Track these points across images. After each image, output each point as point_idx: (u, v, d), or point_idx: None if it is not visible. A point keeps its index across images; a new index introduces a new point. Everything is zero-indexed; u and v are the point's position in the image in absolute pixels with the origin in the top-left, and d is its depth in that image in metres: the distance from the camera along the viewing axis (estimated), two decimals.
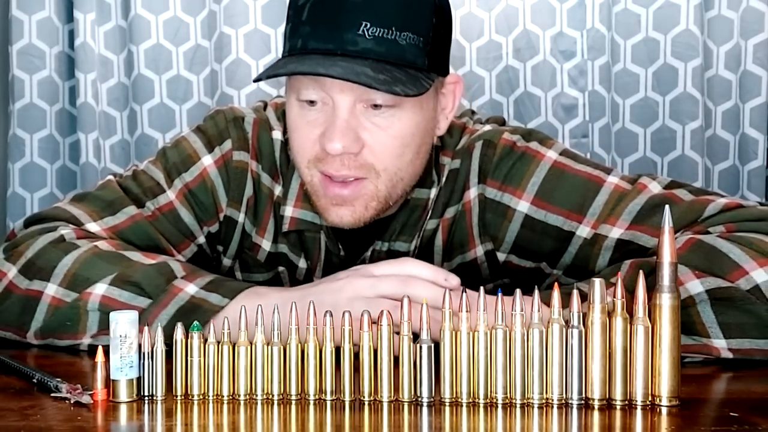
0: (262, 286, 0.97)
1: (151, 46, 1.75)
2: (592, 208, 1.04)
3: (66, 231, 1.03)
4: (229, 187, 1.10)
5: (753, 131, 1.70)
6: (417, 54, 0.98)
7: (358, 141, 0.98)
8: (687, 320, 0.87)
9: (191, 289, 0.95)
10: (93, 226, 1.06)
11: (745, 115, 1.70)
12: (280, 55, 1.69)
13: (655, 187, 1.03)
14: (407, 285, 0.89)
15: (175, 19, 1.75)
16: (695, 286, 0.88)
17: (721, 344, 0.87)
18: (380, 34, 0.96)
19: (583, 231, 1.04)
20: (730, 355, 0.88)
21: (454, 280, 0.91)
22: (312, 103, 1.00)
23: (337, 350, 0.75)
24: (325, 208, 1.03)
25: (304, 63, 0.96)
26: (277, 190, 1.12)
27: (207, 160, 1.10)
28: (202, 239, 1.12)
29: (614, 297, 0.73)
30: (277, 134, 1.13)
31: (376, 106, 0.98)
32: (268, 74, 0.98)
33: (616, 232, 1.02)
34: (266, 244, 1.13)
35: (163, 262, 0.98)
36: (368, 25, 0.95)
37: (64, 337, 0.97)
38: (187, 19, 1.76)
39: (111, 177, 1.13)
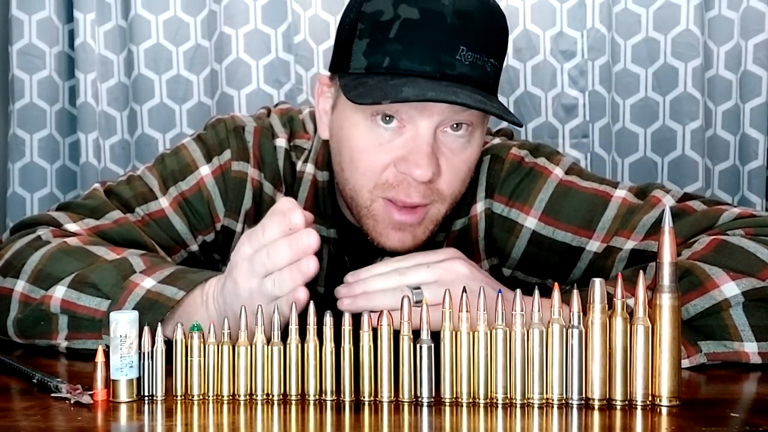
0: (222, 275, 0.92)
1: (151, 46, 1.75)
2: (601, 223, 1.05)
3: (43, 231, 1.02)
4: (227, 197, 1.09)
5: (753, 131, 1.70)
6: (495, 80, 0.98)
7: (439, 167, 0.96)
8: (717, 324, 0.87)
9: (148, 283, 0.91)
10: (72, 226, 1.04)
11: (746, 115, 1.70)
12: (279, 56, 1.73)
13: (668, 201, 1.03)
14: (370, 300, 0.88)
15: (175, 19, 1.75)
16: (731, 288, 0.88)
17: (752, 348, 0.87)
18: (474, 60, 0.94)
19: (593, 246, 1.05)
20: (759, 360, 0.87)
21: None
22: (387, 121, 0.96)
23: (338, 350, 0.75)
24: (383, 233, 1.00)
25: (421, 87, 0.92)
26: (279, 198, 1.10)
27: (204, 170, 1.09)
28: (195, 247, 1.10)
29: (614, 297, 0.73)
30: (281, 142, 1.11)
31: (454, 129, 0.96)
32: (392, 99, 0.91)
33: (630, 245, 1.03)
34: None
35: (124, 258, 0.96)
36: (464, 50, 0.93)
37: (42, 337, 0.96)
38: (187, 19, 1.76)
39: (97, 185, 1.12)
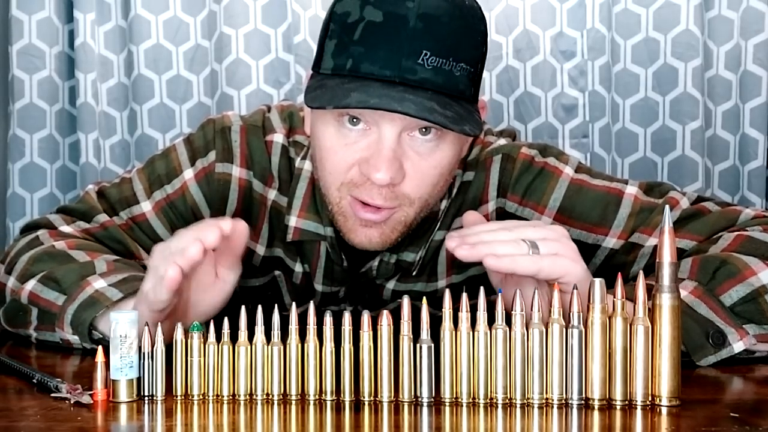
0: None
1: (151, 46, 1.75)
2: (617, 221, 1.06)
3: (41, 232, 1.10)
4: (212, 199, 1.09)
5: (753, 131, 1.70)
6: (467, 84, 0.95)
7: (401, 171, 0.95)
8: (756, 309, 0.90)
9: (99, 284, 0.96)
10: (66, 229, 1.11)
11: (745, 115, 1.70)
12: (279, 56, 1.73)
13: (685, 203, 1.06)
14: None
15: (175, 19, 1.75)
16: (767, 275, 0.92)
17: None
18: (438, 65, 0.92)
19: (610, 242, 1.06)
20: None
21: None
22: (354, 123, 0.95)
23: (338, 350, 0.75)
24: (352, 229, 1.00)
25: (369, 93, 0.90)
26: (272, 194, 1.10)
27: (188, 174, 1.10)
28: None
29: (614, 297, 0.73)
30: (278, 137, 1.10)
31: (423, 133, 0.95)
32: (336, 104, 0.91)
33: (652, 241, 1.04)
34: (261, 249, 1.12)
35: (92, 261, 1.01)
36: (428, 54, 0.91)
37: (20, 327, 1.03)
38: (187, 19, 1.76)
39: (90, 188, 1.16)
